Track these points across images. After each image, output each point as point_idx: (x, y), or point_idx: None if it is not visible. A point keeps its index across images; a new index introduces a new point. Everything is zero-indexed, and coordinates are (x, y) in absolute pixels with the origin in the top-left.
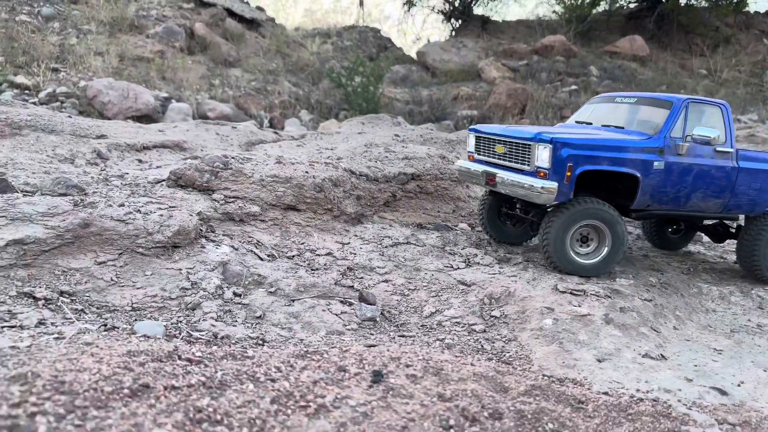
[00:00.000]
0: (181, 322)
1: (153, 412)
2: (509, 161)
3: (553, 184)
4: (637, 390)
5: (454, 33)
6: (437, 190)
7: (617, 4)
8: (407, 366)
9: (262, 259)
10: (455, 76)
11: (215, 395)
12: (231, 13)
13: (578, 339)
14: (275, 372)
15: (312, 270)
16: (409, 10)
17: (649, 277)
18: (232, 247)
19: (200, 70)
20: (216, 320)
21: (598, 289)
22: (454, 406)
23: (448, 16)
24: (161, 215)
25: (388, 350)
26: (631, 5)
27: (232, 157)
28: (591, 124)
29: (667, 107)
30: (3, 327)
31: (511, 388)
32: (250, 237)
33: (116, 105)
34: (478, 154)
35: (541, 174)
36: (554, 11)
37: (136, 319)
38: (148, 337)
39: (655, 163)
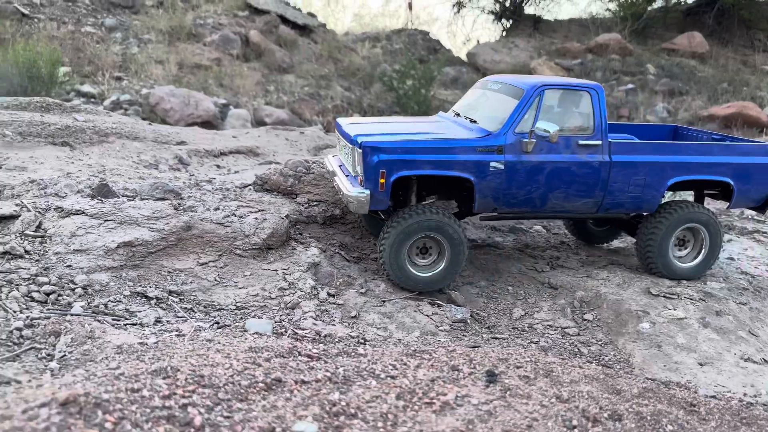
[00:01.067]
0: (284, 320)
1: (291, 405)
2: (347, 162)
3: (364, 192)
4: (744, 394)
5: (505, 33)
6: None
7: (674, 0)
8: (517, 367)
9: (348, 261)
10: None
11: (343, 390)
12: (284, 20)
13: (677, 342)
14: (392, 369)
15: None
16: (458, 12)
17: (740, 280)
18: (320, 248)
19: (255, 77)
20: (316, 319)
21: (692, 293)
22: (574, 406)
23: (498, 17)
24: (255, 218)
25: (492, 351)
26: (689, 1)
27: (313, 162)
28: (458, 115)
29: (517, 96)
30: (126, 324)
31: (624, 390)
32: (333, 239)
33: (178, 112)
34: (340, 151)
35: (361, 181)
36: (608, 9)
37: (241, 318)
38: (260, 334)
39: (492, 164)
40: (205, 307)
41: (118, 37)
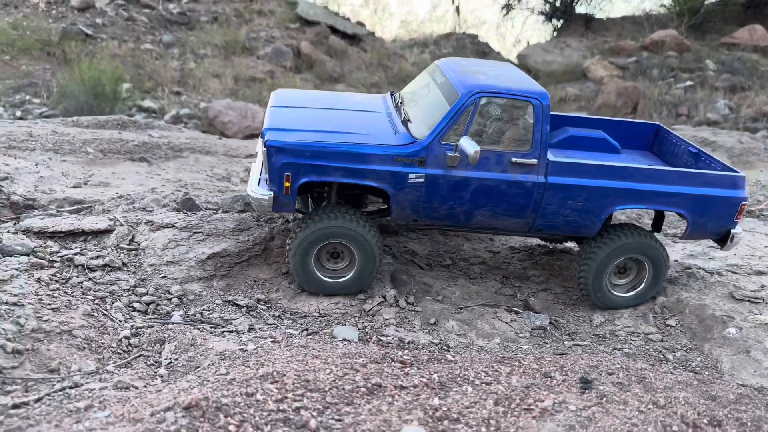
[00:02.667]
0: (366, 327)
1: (395, 410)
2: (260, 152)
3: (267, 194)
4: None
5: (555, 33)
6: None
7: None
8: (609, 374)
9: (422, 268)
10: (559, 77)
11: (441, 396)
12: (334, 30)
13: (766, 348)
14: (485, 376)
15: (470, 279)
16: (507, 14)
17: None
18: (394, 257)
19: (308, 87)
20: (397, 326)
21: None
22: (672, 412)
23: (549, 17)
24: None
25: (581, 358)
26: None
27: None
28: (399, 105)
29: (451, 100)
30: (223, 332)
31: (720, 396)
32: (405, 247)
33: (236, 124)
34: None
35: (268, 181)
36: (662, 5)
37: (326, 325)
38: (348, 340)
39: (411, 176)
40: (291, 314)
41: (175, 53)
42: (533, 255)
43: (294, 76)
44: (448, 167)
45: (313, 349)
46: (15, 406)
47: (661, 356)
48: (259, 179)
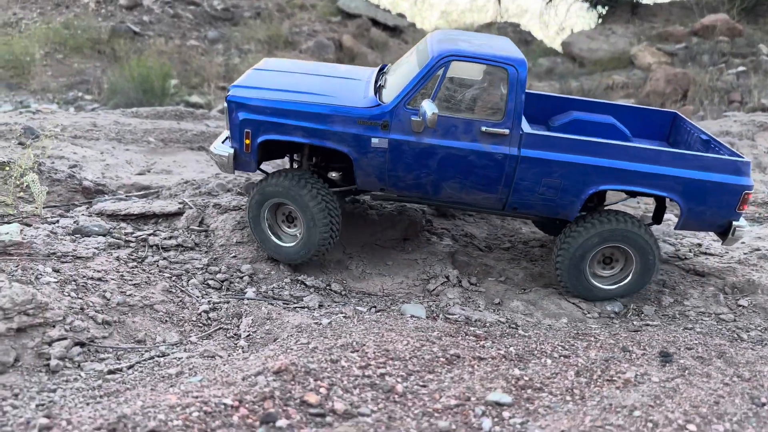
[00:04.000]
0: (431, 306)
1: (476, 378)
2: None
3: (227, 151)
4: None
5: (600, 20)
6: None
7: None
8: (688, 348)
9: (482, 250)
10: (605, 65)
11: (521, 367)
12: (375, 23)
13: None
14: (562, 350)
15: (531, 261)
16: (550, 1)
17: None
18: (453, 239)
19: None
20: (462, 305)
21: None
22: (759, 385)
23: (593, 4)
24: (392, 212)
25: (657, 334)
26: None
27: None
28: (384, 74)
29: (422, 64)
30: (296, 308)
31: None
32: (462, 230)
33: None
34: None
35: (230, 138)
36: None
37: (391, 303)
38: (416, 317)
39: (374, 140)
40: (356, 293)
41: (220, 49)
42: None
43: None
44: (414, 133)
45: (386, 323)
46: (110, 372)
47: (736, 335)
48: (225, 138)
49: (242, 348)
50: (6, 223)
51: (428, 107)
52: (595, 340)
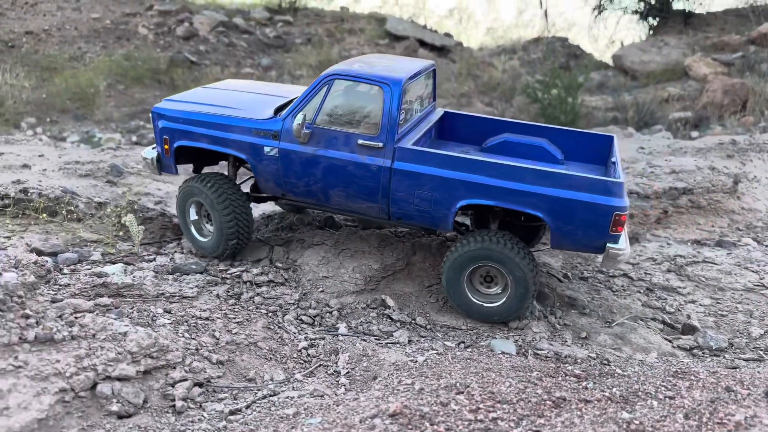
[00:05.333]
0: (518, 341)
1: (587, 422)
2: None
3: (152, 155)
4: None
5: (651, 32)
6: (710, 204)
7: None
8: None
9: (561, 281)
10: (658, 77)
11: (628, 410)
12: (422, 43)
13: None
14: (665, 390)
15: (613, 291)
16: (599, 14)
17: None
18: None
19: None
20: (549, 340)
21: None
22: None
23: (644, 15)
24: None
25: (757, 372)
26: None
27: None
28: None
29: (315, 82)
30: (387, 343)
31: None
32: (537, 260)
33: None
34: None
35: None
36: None
37: (476, 337)
38: (507, 354)
39: (267, 149)
40: (440, 327)
41: (273, 75)
42: (676, 265)
43: None
44: (301, 143)
45: (481, 362)
46: (231, 413)
47: None
48: (154, 145)
49: (344, 386)
50: (110, 262)
51: (296, 120)
52: (696, 379)
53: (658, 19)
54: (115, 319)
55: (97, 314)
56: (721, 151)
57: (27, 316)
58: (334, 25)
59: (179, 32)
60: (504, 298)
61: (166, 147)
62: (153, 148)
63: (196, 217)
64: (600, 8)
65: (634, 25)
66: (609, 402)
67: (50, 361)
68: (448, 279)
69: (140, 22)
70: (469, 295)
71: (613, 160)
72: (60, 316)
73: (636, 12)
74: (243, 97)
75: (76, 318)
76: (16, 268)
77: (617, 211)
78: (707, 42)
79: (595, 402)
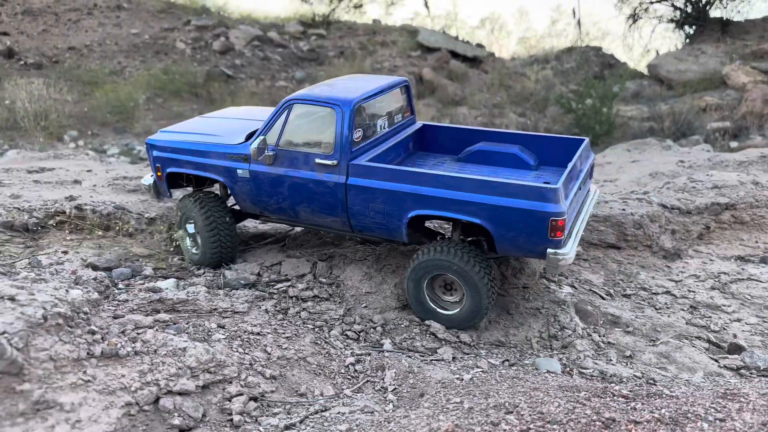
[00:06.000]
0: (562, 359)
1: None
2: None
3: (149, 181)
4: None
5: (688, 41)
6: (753, 219)
7: None
8: None
9: (603, 299)
10: (695, 86)
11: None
12: (454, 55)
13: None
14: (714, 412)
15: (656, 309)
16: (634, 23)
17: None
18: (572, 286)
19: (431, 112)
20: (593, 358)
21: None
22: None
23: (680, 24)
24: (508, 257)
25: None
26: None
27: None
28: None
29: (277, 108)
30: (431, 360)
31: None
32: (579, 277)
33: None
34: None
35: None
36: None
37: (520, 355)
38: (552, 372)
39: (239, 171)
40: (484, 344)
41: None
42: (720, 282)
43: (417, 102)
44: (267, 165)
45: (527, 381)
46: (287, 428)
47: None
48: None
49: (392, 402)
50: (162, 277)
51: (253, 143)
52: (746, 401)
53: (694, 27)
54: (175, 334)
55: (157, 330)
56: (763, 164)
57: (93, 332)
58: (366, 38)
59: (216, 46)
60: (459, 308)
61: (159, 174)
62: (150, 176)
63: (194, 231)
64: (635, 17)
65: (670, 33)
66: (659, 423)
67: (116, 375)
68: (409, 286)
69: (178, 37)
70: (429, 302)
71: (570, 164)
72: (123, 332)
73: (672, 20)
74: (228, 124)
75: (138, 334)
76: (77, 284)
77: (553, 217)
78: (746, 50)
79: (645, 423)
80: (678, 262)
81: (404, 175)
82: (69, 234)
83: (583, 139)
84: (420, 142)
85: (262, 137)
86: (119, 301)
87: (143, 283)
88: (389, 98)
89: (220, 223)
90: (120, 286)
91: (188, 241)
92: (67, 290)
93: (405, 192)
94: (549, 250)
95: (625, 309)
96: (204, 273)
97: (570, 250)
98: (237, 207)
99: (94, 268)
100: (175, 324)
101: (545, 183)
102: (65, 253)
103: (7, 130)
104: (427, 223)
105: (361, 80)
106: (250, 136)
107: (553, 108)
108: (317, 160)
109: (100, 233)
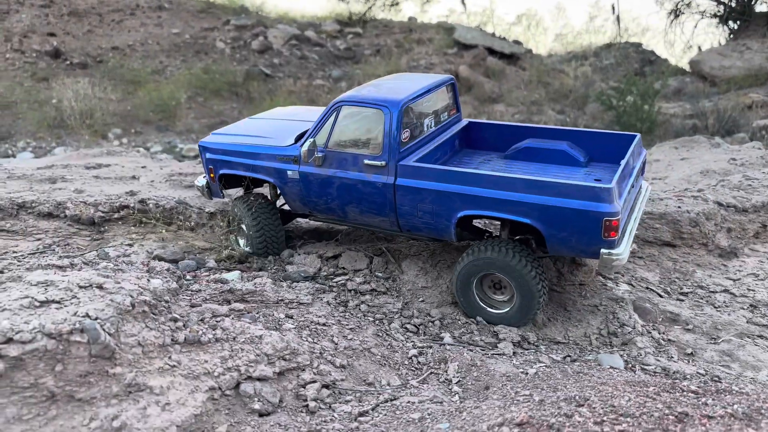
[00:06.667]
0: (623, 355)
1: None
2: None
3: (203, 182)
4: None
5: (732, 36)
6: None
7: None
8: None
9: (661, 296)
10: (740, 83)
11: (753, 427)
12: (491, 51)
13: None
14: None
15: (715, 307)
16: (675, 19)
17: None
18: (629, 284)
19: (467, 110)
20: (655, 355)
21: None
22: None
23: (724, 19)
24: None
25: None
26: None
27: None
28: None
29: (326, 110)
30: (492, 354)
31: None
32: (633, 274)
33: None
34: None
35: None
36: None
37: (581, 352)
38: (616, 368)
39: (289, 173)
40: (543, 340)
41: (343, 86)
42: None
43: None
44: (316, 166)
45: (593, 375)
46: (360, 414)
47: None
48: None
49: (457, 394)
50: (227, 270)
51: (304, 145)
52: None
53: (738, 22)
54: (250, 323)
55: (233, 318)
56: None
57: (175, 320)
58: (402, 36)
59: (254, 46)
60: (509, 307)
61: (212, 175)
62: (204, 177)
63: (245, 230)
64: (676, 12)
65: (713, 29)
66: (732, 419)
67: (199, 361)
68: (459, 284)
69: (218, 37)
70: (478, 300)
71: (623, 161)
72: (202, 320)
73: (715, 15)
74: (277, 126)
75: (217, 322)
76: (149, 275)
77: (607, 217)
78: None
79: (719, 418)
80: (734, 261)
81: (453, 176)
82: (133, 227)
83: (635, 135)
84: (466, 140)
85: (312, 139)
86: (192, 291)
87: (209, 275)
88: (435, 97)
89: (267, 224)
90: (188, 277)
91: (241, 240)
92: (148, 279)
93: (454, 192)
94: (603, 251)
95: (684, 307)
96: (267, 266)
97: (624, 250)
98: (286, 207)
99: (160, 260)
100: (248, 313)
101: (596, 181)
102: (130, 245)
103: (54, 128)
104: (475, 222)
105: (408, 80)
106: (299, 137)
107: (592, 105)
108: (366, 161)
109: (162, 226)
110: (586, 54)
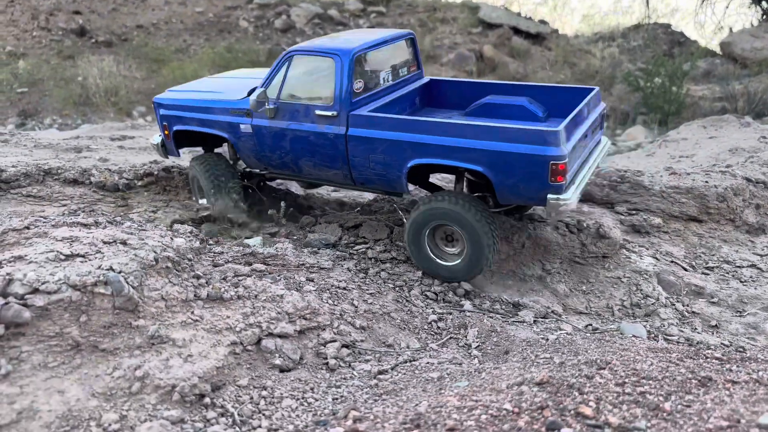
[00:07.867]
0: (645, 326)
1: (737, 401)
2: None
3: (157, 140)
4: None
5: (765, 17)
6: None
7: None
8: None
9: (686, 270)
10: None
11: None
12: (516, 31)
13: None
14: None
15: (741, 282)
16: None
17: None
18: (654, 257)
19: None
20: (678, 327)
21: None
22: None
23: (756, 0)
24: (588, 226)
25: None
26: None
27: (626, 171)
28: None
29: (277, 60)
30: (513, 321)
31: None
32: (658, 248)
33: None
34: None
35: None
36: None
37: (602, 322)
38: (638, 337)
39: (242, 126)
40: (563, 310)
41: None
42: None
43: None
44: (269, 118)
45: (615, 342)
46: (379, 372)
47: None
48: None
49: (477, 357)
50: (247, 237)
51: (252, 95)
52: None
53: None
54: (272, 283)
55: (255, 278)
56: None
57: (198, 277)
58: (426, 15)
59: (277, 24)
60: (459, 259)
61: (167, 132)
62: (159, 135)
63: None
64: None
65: (745, 9)
66: (758, 384)
67: (222, 316)
68: (411, 234)
69: (241, 15)
70: (429, 251)
71: (576, 110)
72: (224, 278)
73: None
74: (235, 82)
75: (239, 280)
76: (173, 233)
77: (553, 161)
78: None
79: (743, 383)
80: (762, 237)
81: (403, 124)
82: (157, 195)
83: (594, 88)
84: (428, 98)
85: (262, 89)
86: (215, 252)
87: (231, 240)
88: (393, 51)
89: (223, 179)
90: (210, 241)
91: (201, 200)
92: (171, 238)
93: (404, 140)
94: (550, 196)
95: (709, 281)
96: (287, 233)
97: (572, 196)
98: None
99: (182, 223)
100: (270, 274)
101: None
102: (154, 212)
103: (80, 105)
104: (432, 179)
105: (365, 33)
106: (252, 91)
107: (619, 86)
108: (317, 112)
109: (185, 194)
110: (614, 35)
